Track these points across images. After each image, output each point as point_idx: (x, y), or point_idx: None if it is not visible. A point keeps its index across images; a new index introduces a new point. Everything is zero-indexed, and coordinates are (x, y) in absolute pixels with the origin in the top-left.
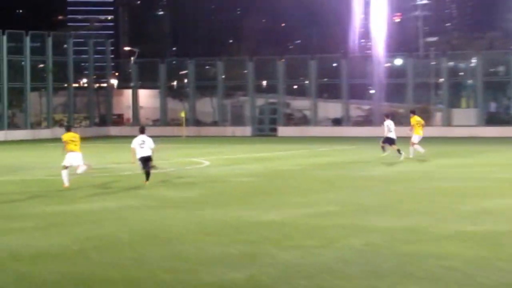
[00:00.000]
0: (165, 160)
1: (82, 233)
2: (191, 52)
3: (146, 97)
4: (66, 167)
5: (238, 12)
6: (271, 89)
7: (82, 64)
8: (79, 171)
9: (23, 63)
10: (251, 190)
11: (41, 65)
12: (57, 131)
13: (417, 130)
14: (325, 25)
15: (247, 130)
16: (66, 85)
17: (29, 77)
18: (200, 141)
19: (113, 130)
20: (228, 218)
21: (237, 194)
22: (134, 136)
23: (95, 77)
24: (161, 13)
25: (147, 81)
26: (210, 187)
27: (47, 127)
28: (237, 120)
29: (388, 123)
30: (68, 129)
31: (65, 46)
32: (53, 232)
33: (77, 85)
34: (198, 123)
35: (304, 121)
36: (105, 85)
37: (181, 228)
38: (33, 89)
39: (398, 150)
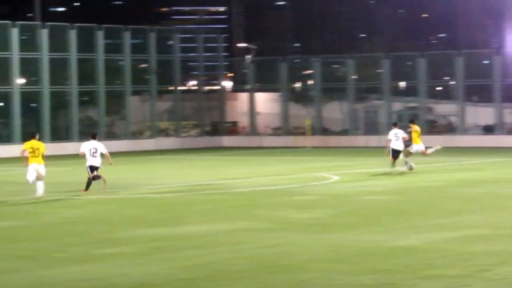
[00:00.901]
0: (287, 175)
1: (190, 260)
2: (316, 48)
3: (265, 101)
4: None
5: (371, 1)
6: (410, 92)
7: (190, 63)
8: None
9: (122, 62)
10: (386, 210)
11: (143, 65)
12: (162, 141)
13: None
14: (474, 15)
15: (382, 140)
16: (171, 88)
17: (130, 79)
18: (327, 153)
19: (227, 140)
20: (360, 242)
21: (370, 214)
22: (251, 147)
23: (205, 78)
24: (281, 3)
25: (266, 82)
26: (339, 207)
27: (151, 136)
28: (371, 128)
29: None
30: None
31: (170, 42)
32: (156, 259)
33: (184, 88)
34: (325, 131)
35: (449, 128)
36: (217, 87)
37: (305, 254)
38: (134, 92)
39: None
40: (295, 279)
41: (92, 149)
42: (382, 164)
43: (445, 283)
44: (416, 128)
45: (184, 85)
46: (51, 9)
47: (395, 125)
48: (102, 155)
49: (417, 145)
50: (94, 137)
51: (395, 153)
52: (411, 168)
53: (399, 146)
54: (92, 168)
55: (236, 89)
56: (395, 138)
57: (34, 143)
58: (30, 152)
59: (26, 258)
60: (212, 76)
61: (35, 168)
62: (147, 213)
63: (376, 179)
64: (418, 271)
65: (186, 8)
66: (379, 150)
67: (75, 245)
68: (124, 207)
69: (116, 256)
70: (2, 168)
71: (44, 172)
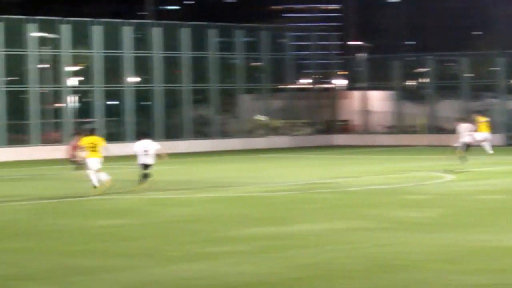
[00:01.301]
0: (399, 174)
1: (301, 259)
2: (431, 46)
3: (378, 99)
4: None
5: None
6: None
7: (303, 61)
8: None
9: (234, 61)
10: (502, 210)
11: (255, 64)
12: (274, 140)
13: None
14: None
15: (497, 139)
16: (284, 86)
17: (242, 77)
18: (441, 152)
19: (339, 139)
20: (475, 242)
21: (485, 214)
22: (364, 146)
23: (318, 76)
24: (395, 0)
25: (379, 81)
26: (453, 206)
27: (263, 135)
28: None
29: None
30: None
31: (283, 41)
32: (267, 258)
33: (297, 86)
34: (439, 130)
35: None
36: (330, 86)
37: (419, 254)
38: (247, 91)
39: None
40: (410, 279)
41: (144, 148)
42: (498, 162)
43: None
44: (482, 119)
45: (297, 83)
46: (164, 7)
47: (464, 119)
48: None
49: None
50: (145, 136)
51: (467, 146)
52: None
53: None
54: (145, 166)
55: (349, 87)
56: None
57: (93, 138)
58: (91, 147)
59: (141, 256)
60: (325, 74)
61: (94, 162)
62: (259, 212)
63: (492, 178)
64: None
65: (299, 6)
66: (495, 149)
67: (189, 243)
68: (236, 205)
69: (229, 254)
70: (116, 166)
71: (100, 165)
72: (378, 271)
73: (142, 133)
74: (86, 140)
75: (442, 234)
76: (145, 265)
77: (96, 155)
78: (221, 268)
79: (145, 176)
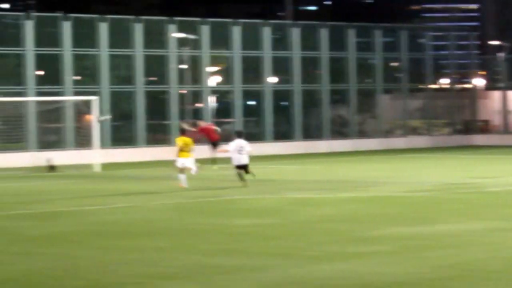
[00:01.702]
0: None
1: (441, 260)
2: None
3: None
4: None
5: None
6: None
7: (442, 61)
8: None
9: (373, 61)
10: None
11: (394, 64)
12: (413, 140)
13: None
14: None
15: None
16: (423, 86)
17: (381, 77)
18: None
19: (478, 139)
20: None
21: None
22: (504, 146)
23: (457, 76)
24: None
25: None
26: None
27: (402, 135)
28: None
29: None
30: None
31: (422, 41)
32: (408, 258)
33: (435, 86)
34: None
35: None
36: (469, 86)
37: None
38: (385, 91)
39: None
40: None
41: (239, 147)
42: None
43: None
44: None
45: (436, 83)
46: (303, 8)
47: None
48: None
49: None
50: (240, 135)
51: None
52: None
53: None
54: (240, 166)
55: (488, 87)
56: None
57: (186, 139)
58: (183, 147)
59: (280, 256)
60: (464, 74)
61: (184, 162)
62: (398, 212)
63: None
64: None
65: (438, 6)
66: None
67: (327, 243)
68: (375, 205)
69: (368, 254)
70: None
71: (191, 165)
72: None
73: (237, 132)
74: (180, 140)
75: None
76: (284, 265)
77: (187, 155)
78: (360, 268)
79: (242, 175)
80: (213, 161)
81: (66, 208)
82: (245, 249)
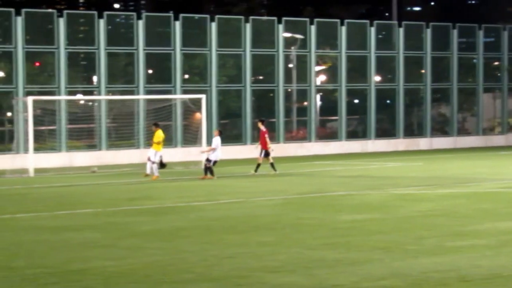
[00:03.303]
0: None
1: None
2: None
3: None
4: None
5: None
6: None
7: None
8: None
9: (475, 60)
10: None
11: (495, 63)
12: None
13: None
14: None
15: None
16: None
17: (482, 76)
18: None
19: None
20: None
21: None
22: None
23: None
24: None
25: None
26: None
27: (501, 133)
28: None
29: None
30: None
31: None
32: (505, 252)
33: None
34: None
35: None
36: None
37: None
38: (486, 90)
39: None
40: None
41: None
42: None
43: None
44: None
45: None
46: (408, 8)
47: None
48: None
49: None
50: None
51: None
52: None
53: None
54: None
55: None
56: None
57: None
58: None
59: (380, 250)
60: None
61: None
62: (496, 207)
63: None
64: None
65: None
66: None
67: (428, 237)
68: (473, 201)
69: (467, 248)
70: (360, 163)
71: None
72: None
73: (221, 131)
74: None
75: None
76: (384, 259)
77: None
78: (459, 262)
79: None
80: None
81: (174, 204)
82: (347, 243)
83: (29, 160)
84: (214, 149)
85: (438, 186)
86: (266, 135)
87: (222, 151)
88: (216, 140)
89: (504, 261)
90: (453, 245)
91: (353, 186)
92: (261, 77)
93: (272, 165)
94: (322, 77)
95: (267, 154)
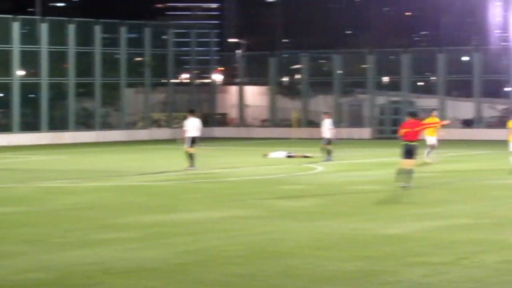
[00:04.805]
0: (274, 166)
1: (182, 246)
2: (304, 44)
3: (254, 94)
4: None
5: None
6: (393, 86)
7: (183, 57)
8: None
9: (118, 56)
10: (371, 200)
11: (138, 59)
12: (155, 132)
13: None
14: (456, 14)
15: (365, 132)
16: (165, 81)
17: (125, 72)
18: (312, 144)
19: (217, 131)
20: (345, 231)
21: (355, 204)
22: (240, 138)
23: (197, 72)
24: (272, 0)
25: (255, 76)
26: (324, 196)
27: (144, 127)
28: (355, 121)
29: None
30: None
31: (165, 37)
32: (150, 244)
33: (177, 80)
34: (310, 124)
35: None
36: (208, 81)
37: (292, 241)
38: (129, 85)
39: None
40: (283, 265)
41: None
42: (365, 155)
43: (425, 270)
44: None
45: (177, 78)
46: (52, 4)
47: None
48: None
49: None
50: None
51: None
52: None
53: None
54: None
55: (227, 82)
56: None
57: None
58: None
59: (26, 243)
60: (204, 69)
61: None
62: (143, 201)
63: (361, 170)
64: (400, 258)
65: (181, 5)
66: (363, 142)
67: (73, 230)
68: (119, 194)
69: (113, 241)
70: (4, 156)
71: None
72: (253, 258)
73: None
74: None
75: (315, 223)
76: (32, 251)
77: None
78: (104, 254)
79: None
80: None
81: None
82: None
83: None
84: None
85: (83, 180)
86: None
87: None
88: None
89: (147, 254)
90: (98, 238)
91: None
92: None
93: None
94: None
95: None
